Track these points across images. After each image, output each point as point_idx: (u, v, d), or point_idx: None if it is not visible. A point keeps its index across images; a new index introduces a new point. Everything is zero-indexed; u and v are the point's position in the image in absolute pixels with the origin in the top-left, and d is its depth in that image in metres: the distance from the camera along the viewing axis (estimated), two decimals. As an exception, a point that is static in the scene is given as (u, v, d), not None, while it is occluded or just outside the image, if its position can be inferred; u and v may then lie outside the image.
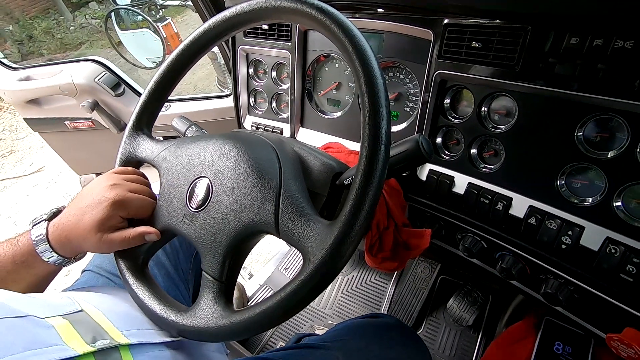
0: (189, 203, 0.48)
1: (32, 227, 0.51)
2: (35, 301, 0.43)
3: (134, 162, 0.58)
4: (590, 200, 0.51)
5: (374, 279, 1.30)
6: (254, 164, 0.47)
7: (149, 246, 0.52)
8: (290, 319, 1.23)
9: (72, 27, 6.28)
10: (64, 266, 0.53)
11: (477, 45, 0.56)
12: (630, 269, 0.47)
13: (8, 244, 0.51)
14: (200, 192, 0.48)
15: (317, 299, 1.25)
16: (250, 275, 1.47)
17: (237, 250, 0.45)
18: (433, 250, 0.76)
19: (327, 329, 0.76)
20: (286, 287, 0.38)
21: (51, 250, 0.50)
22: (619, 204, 0.49)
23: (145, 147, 0.57)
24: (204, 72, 3.90)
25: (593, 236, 0.51)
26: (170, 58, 0.58)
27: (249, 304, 1.32)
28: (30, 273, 0.51)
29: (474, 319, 1.05)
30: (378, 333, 0.69)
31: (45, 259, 0.50)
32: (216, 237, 0.45)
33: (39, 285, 0.53)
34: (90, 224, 0.48)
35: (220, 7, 0.95)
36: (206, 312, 0.43)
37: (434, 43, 0.61)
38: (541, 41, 0.50)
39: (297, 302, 0.38)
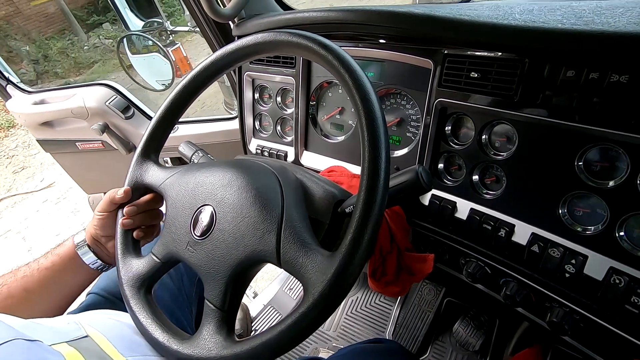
0: (193, 231, 0.49)
1: (74, 236, 0.61)
2: (41, 327, 0.44)
3: (141, 189, 0.60)
4: (593, 228, 0.51)
5: (379, 300, 1.29)
6: (256, 193, 0.48)
7: (153, 272, 0.53)
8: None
9: (85, 47, 6.49)
10: (100, 271, 0.62)
11: (476, 76, 0.57)
12: (635, 300, 0.47)
13: (51, 254, 0.60)
14: (204, 220, 0.49)
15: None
16: (255, 294, 1.46)
17: (239, 279, 0.46)
18: (437, 274, 0.75)
19: (331, 352, 0.75)
20: (287, 319, 0.39)
21: (89, 251, 0.60)
22: (622, 233, 0.49)
23: (152, 174, 0.59)
24: (213, 90, 3.96)
25: (597, 265, 0.50)
26: (177, 88, 0.60)
27: (252, 324, 1.31)
28: (73, 280, 0.61)
29: (480, 343, 1.03)
30: (380, 359, 0.68)
31: (85, 260, 0.60)
32: (218, 265, 0.46)
33: (76, 294, 0.63)
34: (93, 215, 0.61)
35: (228, 36, 0.98)
36: (208, 342, 0.43)
37: (434, 72, 0.63)
38: (538, 73, 0.51)
39: (298, 334, 0.38)
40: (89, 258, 0.60)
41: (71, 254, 0.59)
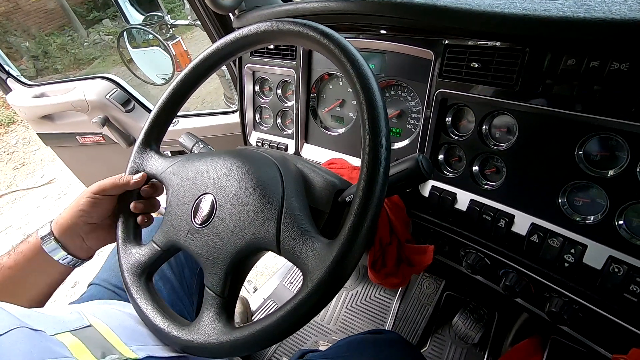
0: (194, 219, 0.49)
1: (38, 231, 0.55)
2: (44, 317, 0.44)
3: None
4: (592, 218, 0.51)
5: (379, 294, 1.29)
6: (257, 181, 0.48)
7: (153, 260, 0.53)
8: (294, 334, 1.22)
9: (85, 43, 6.47)
10: (73, 266, 0.56)
11: (476, 66, 0.57)
12: (634, 289, 0.47)
13: (14, 252, 0.54)
14: (204, 208, 0.49)
15: (321, 313, 1.24)
16: (255, 289, 1.47)
17: (239, 266, 0.46)
18: (437, 266, 0.76)
19: (331, 345, 0.76)
20: (286, 305, 0.39)
21: (58, 245, 0.53)
22: (621, 222, 0.49)
23: (153, 163, 0.59)
24: (213, 86, 3.96)
25: (596, 255, 0.50)
26: (179, 77, 0.60)
27: (252, 318, 1.31)
28: (41, 279, 0.54)
29: (479, 336, 1.04)
30: (379, 349, 0.69)
31: (54, 257, 0.53)
32: (219, 253, 0.46)
33: (47, 294, 0.56)
34: (82, 196, 0.55)
35: (228, 28, 0.98)
36: (207, 328, 0.43)
37: (434, 63, 0.63)
38: (539, 62, 0.51)
39: (297, 320, 0.39)
40: (57, 253, 0.53)
41: (37, 250, 0.53)
